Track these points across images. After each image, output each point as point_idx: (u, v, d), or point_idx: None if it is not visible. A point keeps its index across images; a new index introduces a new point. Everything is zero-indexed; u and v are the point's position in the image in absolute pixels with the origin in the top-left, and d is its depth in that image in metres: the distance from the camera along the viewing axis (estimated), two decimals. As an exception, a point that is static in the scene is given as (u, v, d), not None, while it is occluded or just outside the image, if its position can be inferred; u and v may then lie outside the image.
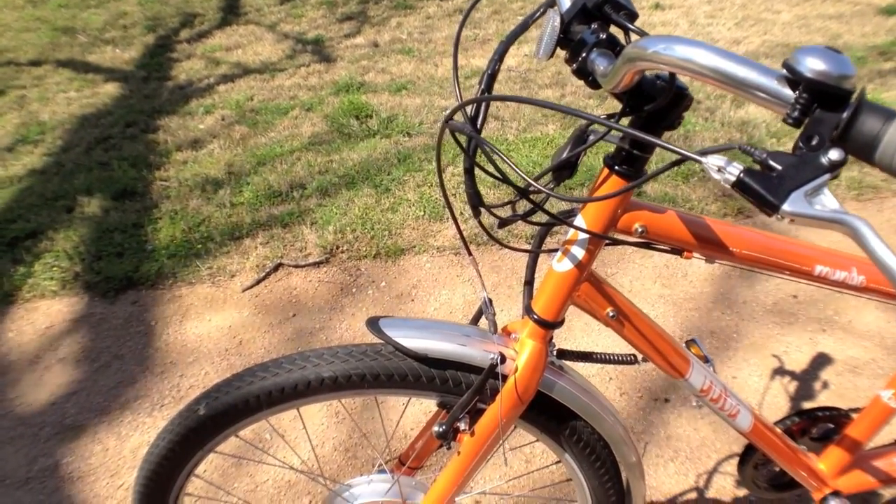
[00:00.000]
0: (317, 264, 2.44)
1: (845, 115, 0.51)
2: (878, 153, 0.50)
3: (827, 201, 0.49)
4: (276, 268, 2.42)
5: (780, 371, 1.95)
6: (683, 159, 0.56)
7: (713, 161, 0.53)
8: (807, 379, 1.93)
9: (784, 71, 0.53)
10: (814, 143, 0.51)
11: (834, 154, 0.50)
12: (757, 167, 0.53)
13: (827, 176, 0.50)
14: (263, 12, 5.40)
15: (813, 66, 0.51)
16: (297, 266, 2.42)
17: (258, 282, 2.35)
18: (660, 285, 2.30)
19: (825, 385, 1.90)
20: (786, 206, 0.49)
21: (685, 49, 0.56)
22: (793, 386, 1.91)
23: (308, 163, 3.06)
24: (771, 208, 0.50)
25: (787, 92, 0.53)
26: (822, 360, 1.98)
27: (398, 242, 2.52)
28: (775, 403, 1.86)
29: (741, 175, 0.52)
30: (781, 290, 2.25)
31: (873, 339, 2.03)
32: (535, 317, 0.91)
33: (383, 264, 2.43)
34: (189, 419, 0.96)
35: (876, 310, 2.14)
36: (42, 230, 2.62)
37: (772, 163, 0.52)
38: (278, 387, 0.93)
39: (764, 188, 0.50)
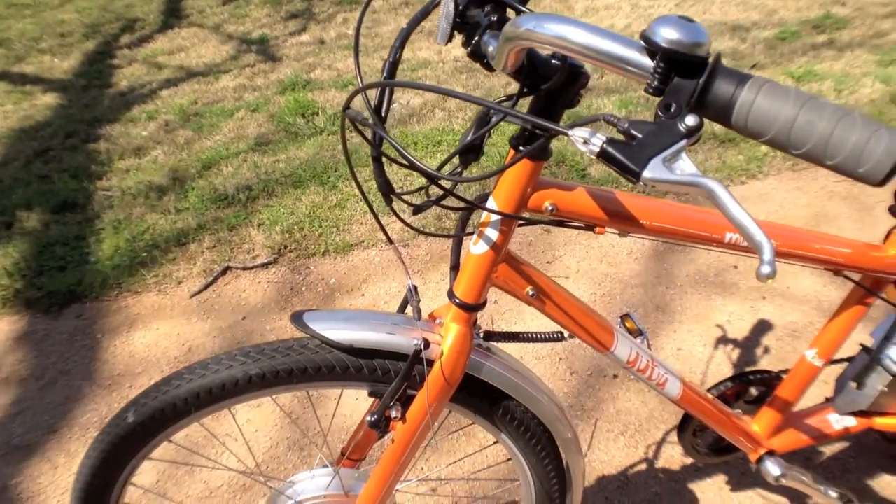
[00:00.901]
0: (265, 265, 2.42)
1: (700, 81, 0.52)
2: (733, 116, 0.52)
3: (685, 166, 0.51)
4: (224, 271, 2.39)
5: (723, 340, 2.00)
6: (554, 133, 0.58)
7: (579, 133, 0.55)
8: (749, 346, 1.98)
9: (642, 42, 0.55)
10: (672, 110, 0.52)
11: (690, 120, 0.51)
12: (621, 137, 0.54)
13: (684, 142, 0.51)
14: (206, 14, 5.32)
15: (667, 35, 0.52)
16: (245, 268, 2.40)
17: (206, 287, 2.33)
18: (605, 264, 2.33)
19: (766, 350, 1.95)
20: (646, 173, 0.51)
21: (555, 26, 0.58)
22: (736, 353, 1.96)
23: (254, 164, 3.03)
24: (632, 175, 0.51)
25: (649, 62, 0.55)
26: (763, 327, 2.03)
27: (346, 238, 2.51)
28: (720, 371, 1.90)
29: (604, 145, 0.53)
30: (722, 261, 2.30)
31: (811, 304, 2.09)
32: (457, 300, 0.92)
33: (332, 261, 2.43)
34: (119, 427, 0.95)
35: (812, 275, 2.20)
36: (-19, 248, 2.56)
37: (633, 132, 0.53)
38: (206, 388, 0.93)
39: (625, 157, 0.52)
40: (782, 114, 0.51)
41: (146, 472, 1.70)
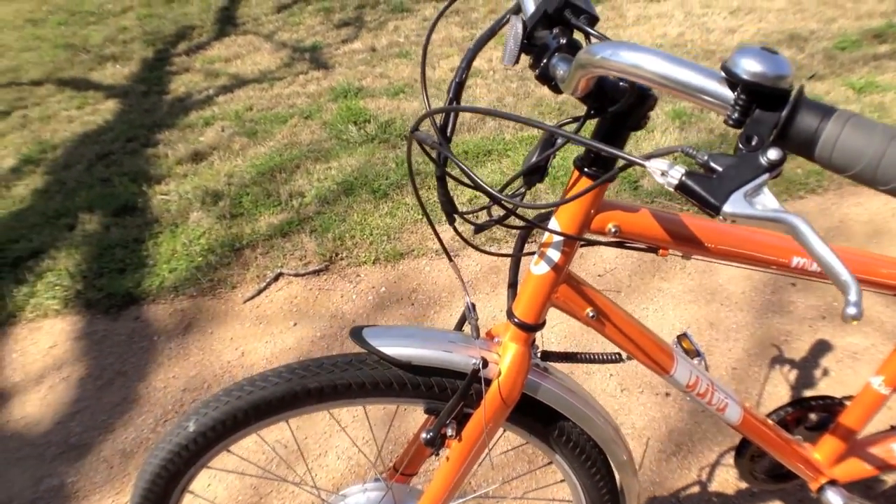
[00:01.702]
0: (317, 272, 2.45)
1: (783, 114, 0.51)
2: (817, 150, 0.51)
3: (767, 201, 0.49)
4: (277, 277, 2.43)
5: (779, 360, 1.95)
6: (630, 164, 0.57)
7: (656, 165, 0.54)
8: (807, 367, 1.93)
9: (723, 74, 0.54)
10: (753, 143, 0.51)
11: (772, 153, 0.50)
12: (699, 169, 0.53)
13: (766, 176, 0.50)
14: (261, 21, 5.42)
15: (749, 67, 0.51)
16: (297, 275, 2.44)
17: (259, 292, 2.37)
18: (658, 279, 2.30)
19: (825, 372, 1.90)
20: (726, 208, 0.50)
21: (630, 55, 0.57)
22: (793, 374, 1.91)
23: (307, 170, 3.07)
24: (712, 209, 0.50)
25: (728, 93, 0.54)
26: (821, 348, 1.97)
27: (397, 247, 2.53)
28: (776, 393, 1.86)
29: (683, 178, 0.53)
30: (779, 278, 2.25)
31: (872, 325, 2.02)
32: (517, 320, 0.91)
33: (383, 269, 2.45)
34: (179, 436, 0.97)
35: (874, 295, 2.13)
36: (44, 249, 2.65)
37: (713, 164, 0.52)
38: (266, 400, 0.94)
39: (705, 190, 0.51)
40: (869, 149, 0.50)
41: (200, 479, 1.73)
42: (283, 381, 0.94)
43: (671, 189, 0.53)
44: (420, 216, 2.66)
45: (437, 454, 1.00)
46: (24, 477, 1.78)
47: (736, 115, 0.52)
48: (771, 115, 0.51)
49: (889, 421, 1.33)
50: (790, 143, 0.52)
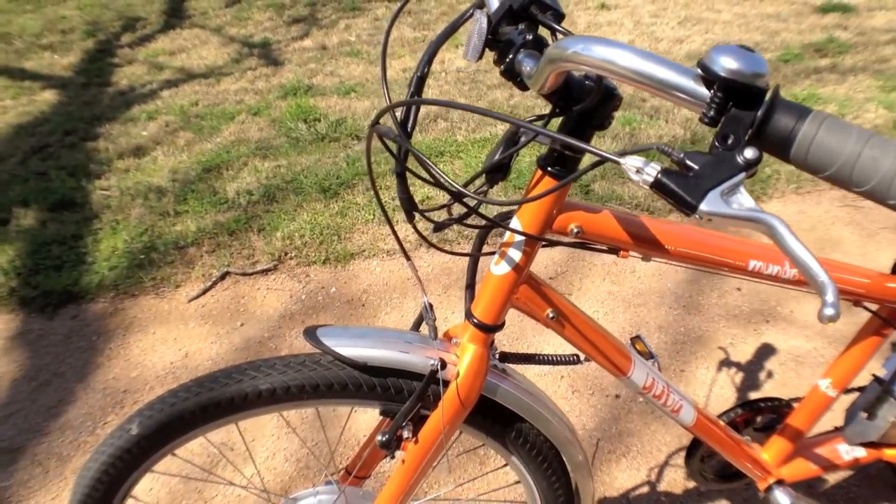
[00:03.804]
0: (265, 272, 2.39)
1: (759, 113, 0.51)
2: (792, 150, 0.51)
3: (743, 200, 0.49)
4: (223, 276, 2.37)
5: (726, 363, 1.99)
6: (603, 161, 0.56)
7: (631, 162, 0.53)
8: (752, 370, 1.97)
9: (699, 71, 0.53)
10: (729, 142, 0.51)
11: (749, 153, 0.50)
12: (675, 167, 0.53)
13: (742, 175, 0.50)
14: (209, 16, 5.30)
15: (726, 64, 0.51)
16: (244, 274, 2.38)
17: (204, 291, 2.30)
18: (609, 282, 2.32)
19: (770, 375, 1.94)
20: (703, 206, 0.49)
21: (604, 49, 0.56)
22: (739, 377, 1.95)
23: (255, 168, 3.01)
24: (688, 208, 0.50)
25: (704, 91, 0.53)
26: (766, 351, 2.02)
27: (348, 247, 2.49)
28: (722, 395, 1.89)
29: (659, 175, 0.52)
30: (726, 283, 2.30)
31: (814, 328, 2.08)
32: (476, 321, 0.90)
33: (333, 270, 2.41)
34: (122, 439, 0.92)
35: (815, 299, 2.19)
36: (-25, 244, 2.52)
37: (689, 163, 0.52)
38: (214, 401, 0.90)
39: (681, 188, 0.50)
40: (845, 150, 0.50)
41: (142, 483, 1.66)
42: (232, 382, 0.91)
43: (646, 187, 0.53)
44: (372, 216, 2.63)
45: (393, 456, 0.98)
46: (-51, 484, 1.68)
47: (712, 112, 0.52)
48: (747, 115, 0.51)
49: (833, 422, 1.36)
50: (766, 142, 0.52)
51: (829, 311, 0.46)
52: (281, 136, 3.33)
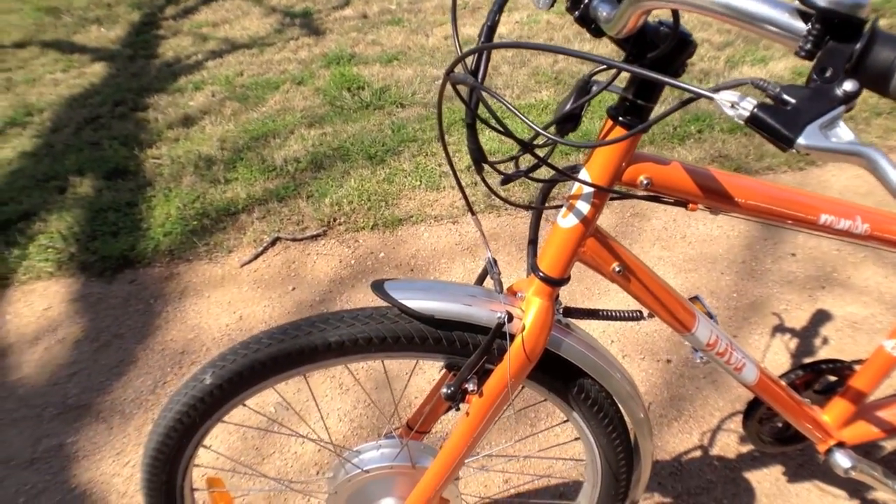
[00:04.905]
0: (314, 237, 2.42)
1: (859, 45, 0.49)
2: (892, 84, 0.49)
3: (842, 133, 0.48)
4: (274, 242, 2.40)
5: (780, 328, 1.96)
6: (695, 97, 0.55)
7: (726, 97, 0.52)
8: (807, 335, 1.94)
9: (796, 2, 0.52)
10: (827, 74, 0.50)
11: (848, 85, 0.49)
12: (770, 102, 0.52)
13: (842, 108, 0.49)
14: (249, -14, 5.31)
15: (826, -5, 0.50)
16: (294, 240, 2.41)
17: (256, 256, 2.34)
18: (659, 248, 2.30)
19: (825, 341, 1.91)
20: (801, 140, 0.48)
21: (694, -14, 0.55)
22: (794, 343, 1.92)
23: (301, 136, 3.03)
24: (786, 142, 0.49)
25: (799, 24, 0.52)
26: (821, 317, 1.98)
27: (395, 213, 2.50)
28: (776, 360, 1.87)
29: (755, 110, 0.51)
30: (780, 249, 2.25)
31: (871, 295, 2.03)
32: (542, 274, 0.90)
33: (381, 235, 2.42)
34: (195, 389, 0.95)
35: (874, 265, 2.14)
36: (35, 212, 2.60)
37: (785, 96, 0.51)
38: (284, 353, 0.93)
39: (778, 122, 0.49)
40: None
41: (214, 434, 1.71)
42: (302, 334, 0.93)
43: (741, 122, 0.52)
44: (419, 181, 2.63)
45: (458, 409, 0.99)
46: (22, 437, 1.75)
47: (808, 45, 0.51)
48: (846, 47, 0.50)
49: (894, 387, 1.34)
50: (865, 75, 0.50)
51: None
52: (326, 105, 3.34)
